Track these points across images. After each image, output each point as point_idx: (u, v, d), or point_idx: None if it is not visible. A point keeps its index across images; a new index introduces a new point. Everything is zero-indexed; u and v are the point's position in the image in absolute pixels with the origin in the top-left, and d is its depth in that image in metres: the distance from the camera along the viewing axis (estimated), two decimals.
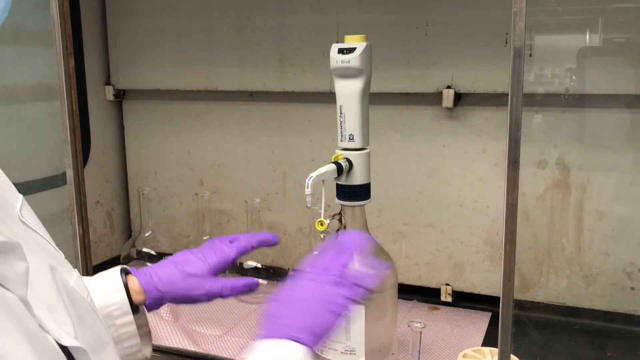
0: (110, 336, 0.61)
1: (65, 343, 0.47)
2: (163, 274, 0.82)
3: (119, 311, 0.78)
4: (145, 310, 0.83)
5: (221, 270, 0.85)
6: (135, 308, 0.81)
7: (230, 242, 0.88)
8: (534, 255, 1.34)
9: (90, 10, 1.63)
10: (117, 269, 0.82)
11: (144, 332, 0.82)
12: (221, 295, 0.83)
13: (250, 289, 0.85)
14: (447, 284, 1.43)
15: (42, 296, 0.49)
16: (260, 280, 0.90)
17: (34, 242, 0.56)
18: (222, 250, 0.86)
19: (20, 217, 0.57)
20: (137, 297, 0.81)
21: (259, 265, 1.43)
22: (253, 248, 0.88)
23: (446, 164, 1.39)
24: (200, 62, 1.58)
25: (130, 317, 0.79)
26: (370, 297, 0.72)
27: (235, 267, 1.47)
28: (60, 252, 0.62)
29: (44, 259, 0.54)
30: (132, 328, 0.79)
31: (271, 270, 1.44)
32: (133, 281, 0.82)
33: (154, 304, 0.83)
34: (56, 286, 0.52)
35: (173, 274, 0.82)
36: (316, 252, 0.75)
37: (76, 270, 0.61)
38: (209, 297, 0.83)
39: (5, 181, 0.61)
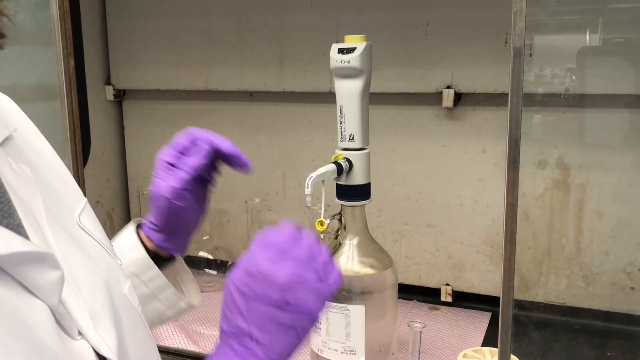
0: (156, 348, 0.60)
1: (103, 353, 0.47)
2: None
3: (140, 268, 0.76)
4: (182, 260, 0.81)
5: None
6: (162, 259, 0.78)
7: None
8: (533, 255, 1.34)
9: (90, 10, 1.63)
10: (132, 226, 0.79)
11: (183, 279, 0.80)
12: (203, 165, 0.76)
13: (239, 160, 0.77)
14: (447, 284, 1.43)
15: (89, 304, 0.49)
16: None
17: (89, 248, 0.55)
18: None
19: (78, 222, 0.57)
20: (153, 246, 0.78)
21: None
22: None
23: (446, 164, 1.39)
24: (200, 62, 1.58)
25: (154, 270, 0.76)
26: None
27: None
28: (119, 259, 0.61)
29: (97, 266, 0.54)
30: (161, 280, 0.76)
31: None
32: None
33: (166, 238, 0.77)
34: (108, 294, 0.52)
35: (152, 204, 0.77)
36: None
37: (129, 279, 0.60)
38: (188, 176, 0.76)
39: (71, 183, 0.61)
